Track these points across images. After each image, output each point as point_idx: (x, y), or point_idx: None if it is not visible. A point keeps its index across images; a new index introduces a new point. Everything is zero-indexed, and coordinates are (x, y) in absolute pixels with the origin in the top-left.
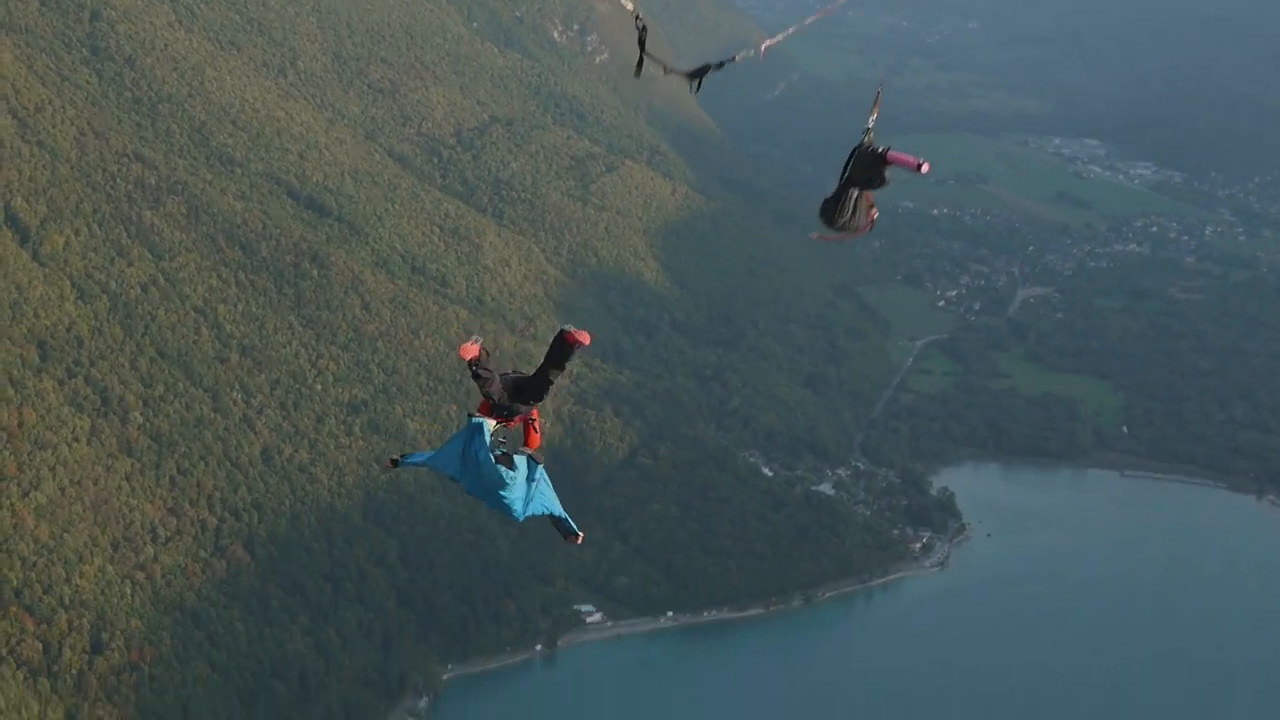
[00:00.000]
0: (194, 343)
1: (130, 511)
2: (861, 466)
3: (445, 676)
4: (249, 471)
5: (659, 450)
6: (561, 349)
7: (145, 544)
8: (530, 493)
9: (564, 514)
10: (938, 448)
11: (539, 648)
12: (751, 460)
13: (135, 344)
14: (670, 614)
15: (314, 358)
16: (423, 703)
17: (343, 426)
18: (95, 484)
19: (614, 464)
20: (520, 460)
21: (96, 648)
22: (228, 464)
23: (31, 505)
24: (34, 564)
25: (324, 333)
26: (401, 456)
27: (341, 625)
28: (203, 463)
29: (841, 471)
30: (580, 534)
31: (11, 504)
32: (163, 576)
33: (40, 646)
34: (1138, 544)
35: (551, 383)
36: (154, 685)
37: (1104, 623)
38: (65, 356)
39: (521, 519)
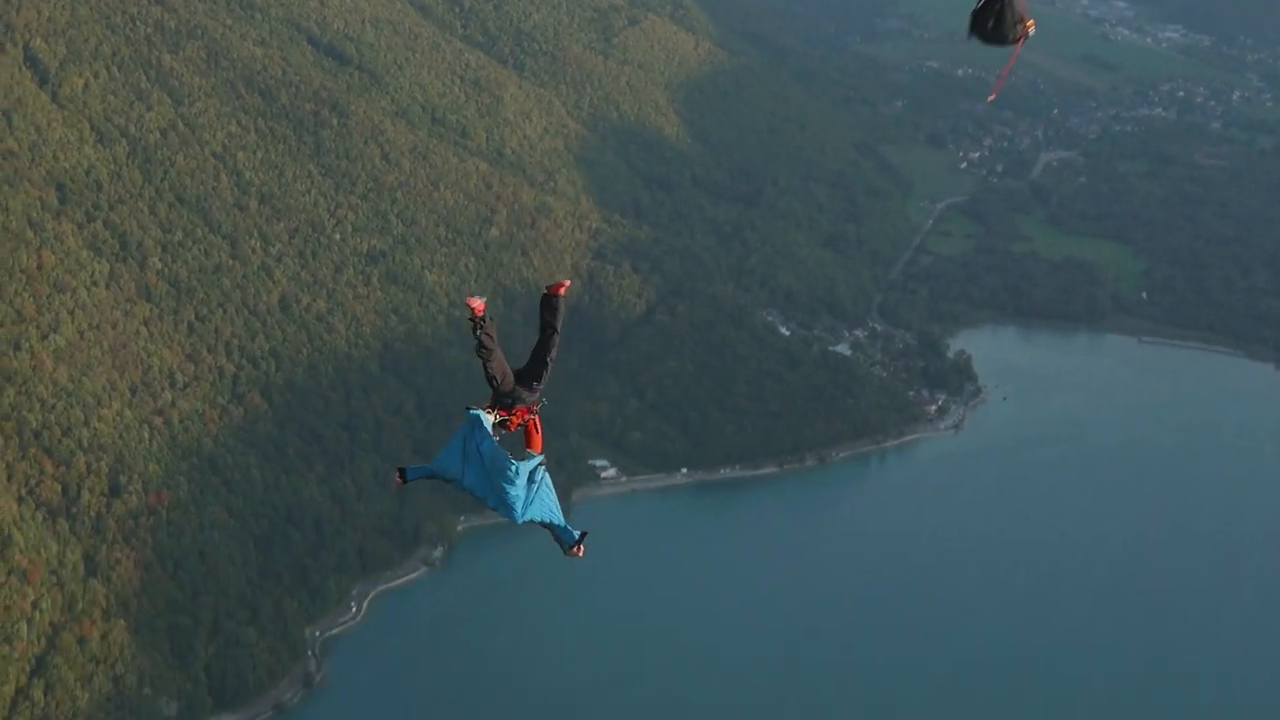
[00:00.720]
0: (213, 189)
1: (148, 357)
2: (879, 328)
3: (460, 528)
4: (266, 320)
5: (676, 307)
6: (549, 306)
7: (163, 389)
8: (531, 495)
9: (564, 523)
10: (956, 310)
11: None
12: (769, 319)
13: (154, 189)
14: (684, 470)
15: (333, 207)
16: (437, 553)
17: (361, 277)
18: (114, 328)
19: (631, 320)
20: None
21: (115, 491)
22: (245, 311)
23: (50, 348)
24: (53, 406)
25: (343, 182)
26: (406, 469)
27: (358, 474)
28: (221, 310)
29: (859, 332)
30: (582, 546)
31: (31, 346)
32: (180, 422)
33: (59, 488)
34: (1154, 410)
35: (550, 350)
36: (171, 529)
37: (1119, 488)
38: (84, 200)
39: (520, 521)
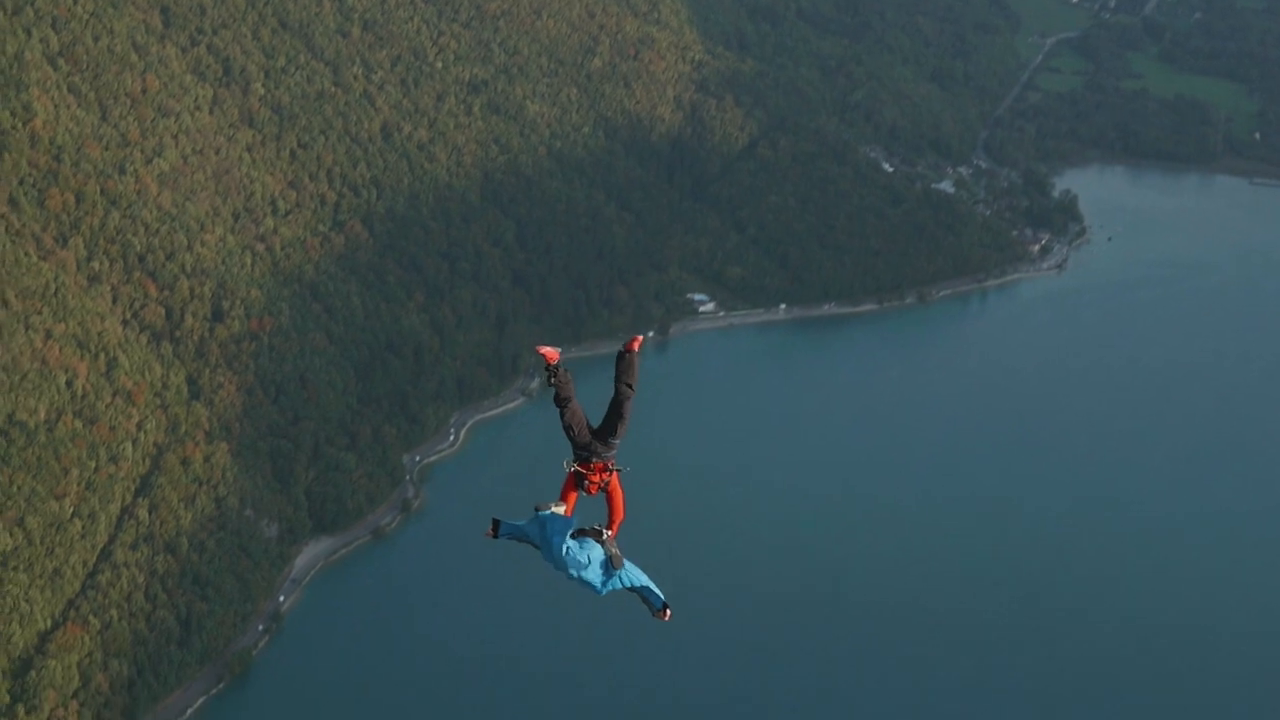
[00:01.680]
0: (315, 15)
1: (251, 183)
2: (983, 165)
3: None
4: (368, 148)
5: (779, 142)
6: (624, 363)
7: (265, 215)
8: (610, 574)
9: (651, 585)
10: (1063, 149)
11: (651, 334)
12: (872, 155)
13: (258, 14)
14: (783, 307)
15: (435, 35)
16: (535, 383)
17: (462, 106)
18: (216, 154)
19: (733, 154)
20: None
21: (217, 315)
22: (347, 139)
23: (154, 172)
24: (156, 230)
25: (445, 9)
26: (500, 524)
27: (457, 303)
28: (323, 137)
29: (963, 170)
30: (669, 609)
31: (135, 170)
32: (282, 249)
33: (163, 312)
34: (1264, 253)
35: (624, 406)
36: (272, 354)
37: (1225, 329)
38: (188, 24)
39: (603, 593)
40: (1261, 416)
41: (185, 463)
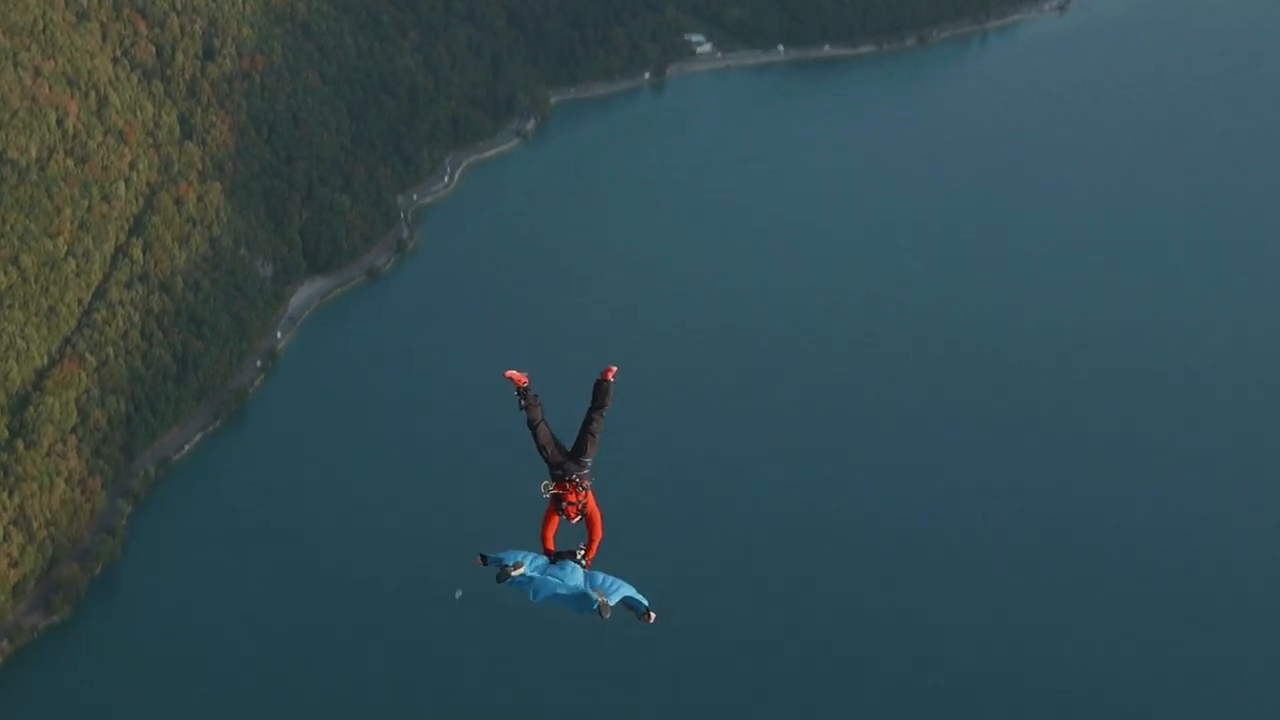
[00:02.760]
0: None
1: None
2: None
3: (552, 100)
4: None
5: None
6: (600, 389)
7: None
8: (592, 600)
9: (633, 594)
10: None
11: (647, 76)
12: None
13: None
14: (781, 48)
15: None
16: (530, 124)
17: None
18: None
19: None
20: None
21: (209, 54)
22: None
23: None
24: None
25: None
26: (488, 557)
27: (452, 43)
28: None
29: None
30: (652, 613)
31: None
32: None
33: (153, 50)
34: None
35: (595, 424)
36: (265, 94)
37: (1227, 70)
38: None
39: (585, 615)
40: (1264, 159)
41: (179, 202)
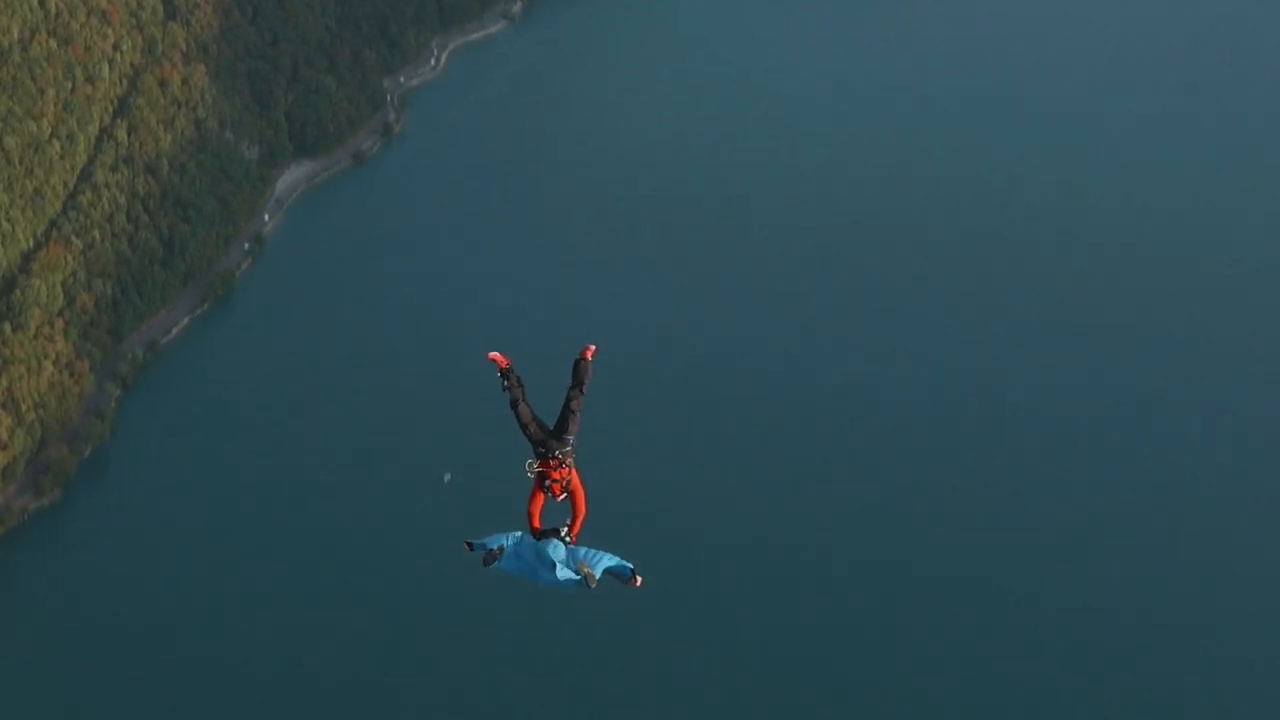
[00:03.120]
0: None
1: None
2: None
3: None
4: None
5: None
6: (578, 369)
7: None
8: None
9: (617, 562)
10: None
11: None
12: None
13: None
14: None
15: None
16: (516, 6)
17: None
18: None
19: None
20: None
21: None
22: None
23: None
24: None
25: None
26: (474, 544)
27: None
28: None
29: None
30: (638, 576)
31: None
32: None
33: None
34: None
35: (575, 403)
36: None
37: None
38: None
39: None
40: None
41: (163, 84)
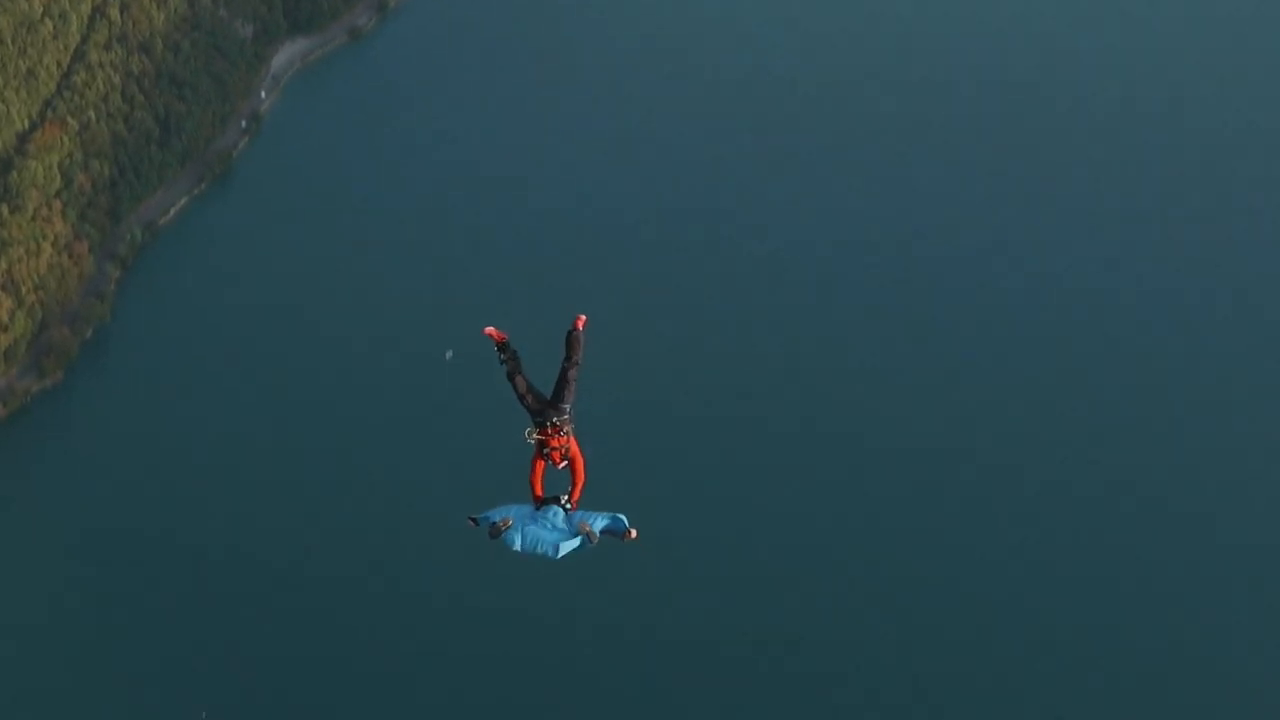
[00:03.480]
0: None
1: None
2: None
3: None
4: None
5: None
6: (571, 340)
7: None
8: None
9: (613, 519)
10: None
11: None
12: None
13: None
14: None
15: None
16: None
17: None
18: None
19: None
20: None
21: None
22: None
23: None
24: None
25: None
26: (478, 517)
27: None
28: None
29: None
30: (633, 530)
31: None
32: None
33: None
34: None
35: (570, 373)
36: None
37: None
38: None
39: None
40: None
41: None
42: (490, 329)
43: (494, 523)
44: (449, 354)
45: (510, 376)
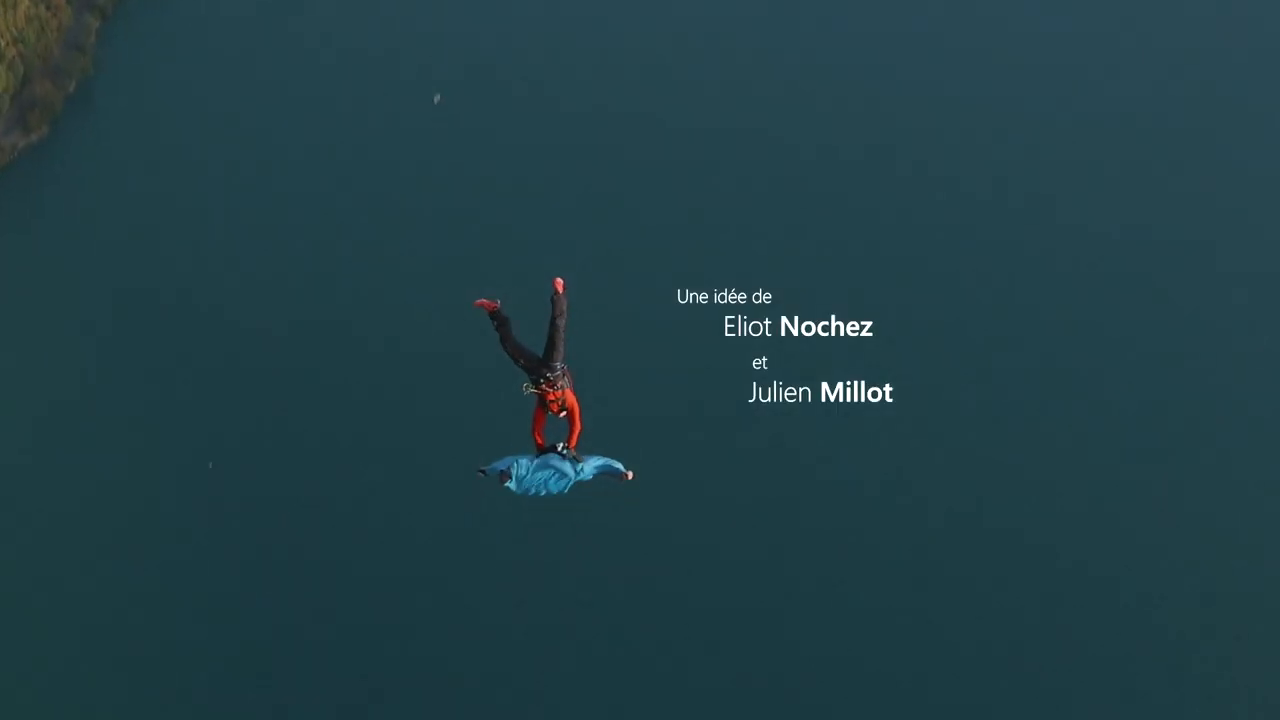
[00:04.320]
0: None
1: None
2: None
3: None
4: None
5: None
6: (554, 301)
7: None
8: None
9: (609, 462)
10: None
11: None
12: None
13: None
14: None
15: None
16: None
17: None
18: None
19: None
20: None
21: None
22: None
23: None
24: None
25: None
26: (486, 468)
27: None
28: None
29: None
30: (629, 472)
31: None
32: None
33: None
34: None
35: (558, 331)
36: None
37: None
38: None
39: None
40: None
41: None
42: (482, 300)
43: (501, 471)
44: (437, 98)
45: (503, 343)
